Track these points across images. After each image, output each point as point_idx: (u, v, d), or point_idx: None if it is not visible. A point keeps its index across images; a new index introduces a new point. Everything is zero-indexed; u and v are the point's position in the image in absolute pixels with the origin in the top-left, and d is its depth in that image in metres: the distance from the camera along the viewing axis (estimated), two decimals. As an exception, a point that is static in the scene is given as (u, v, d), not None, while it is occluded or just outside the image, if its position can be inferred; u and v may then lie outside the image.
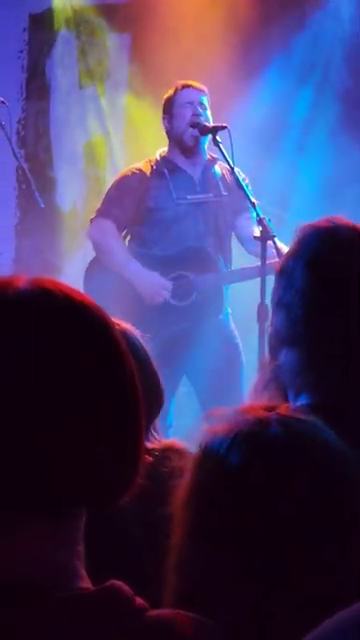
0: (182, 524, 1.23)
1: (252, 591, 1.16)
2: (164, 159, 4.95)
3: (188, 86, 4.92)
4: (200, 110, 4.84)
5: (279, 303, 1.73)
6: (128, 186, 4.92)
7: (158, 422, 2.13)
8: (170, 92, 4.96)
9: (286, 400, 1.69)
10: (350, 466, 1.23)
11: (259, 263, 4.42)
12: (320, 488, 1.20)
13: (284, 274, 1.74)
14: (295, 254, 1.75)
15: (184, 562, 1.21)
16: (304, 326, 1.67)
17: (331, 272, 1.70)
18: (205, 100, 4.89)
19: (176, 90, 4.93)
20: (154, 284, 4.82)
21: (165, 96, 4.98)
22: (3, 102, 5.19)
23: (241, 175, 4.78)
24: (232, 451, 1.21)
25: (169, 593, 1.21)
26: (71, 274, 6.05)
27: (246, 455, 1.21)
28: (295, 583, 1.17)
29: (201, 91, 4.91)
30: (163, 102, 4.98)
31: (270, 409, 1.26)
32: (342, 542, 1.19)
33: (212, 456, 1.23)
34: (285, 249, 4.37)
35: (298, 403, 1.66)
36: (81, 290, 1.15)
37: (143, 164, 5.00)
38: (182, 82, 4.95)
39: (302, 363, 1.67)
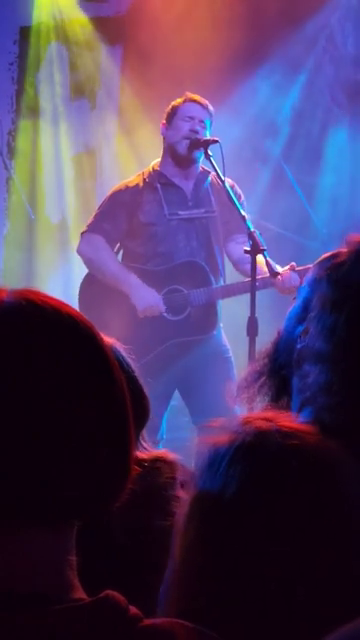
0: (183, 539, 1.22)
1: (248, 611, 1.16)
2: (157, 172, 4.94)
3: (194, 101, 4.91)
4: (199, 128, 4.82)
5: (320, 317, 1.56)
6: (120, 201, 4.91)
7: (145, 432, 2.13)
8: (177, 101, 4.95)
9: (276, 394, 1.64)
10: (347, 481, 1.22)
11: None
12: (317, 507, 1.19)
13: (331, 284, 1.57)
14: (352, 268, 1.56)
15: (184, 578, 1.21)
16: (345, 348, 1.56)
17: None
18: (208, 121, 4.87)
19: (183, 101, 4.92)
20: (150, 298, 4.80)
21: (172, 104, 4.97)
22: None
23: (237, 191, 4.78)
24: (232, 467, 1.21)
25: (169, 608, 1.20)
26: (58, 285, 6.05)
27: (245, 472, 1.20)
28: (293, 604, 1.15)
29: (206, 110, 4.89)
30: (168, 108, 4.96)
31: (269, 419, 1.25)
32: (342, 561, 1.18)
33: (213, 472, 1.22)
34: (273, 263, 4.44)
35: (301, 415, 1.61)
36: (73, 304, 1.15)
37: (136, 177, 5.00)
38: (191, 95, 4.94)
39: (326, 381, 1.57)
